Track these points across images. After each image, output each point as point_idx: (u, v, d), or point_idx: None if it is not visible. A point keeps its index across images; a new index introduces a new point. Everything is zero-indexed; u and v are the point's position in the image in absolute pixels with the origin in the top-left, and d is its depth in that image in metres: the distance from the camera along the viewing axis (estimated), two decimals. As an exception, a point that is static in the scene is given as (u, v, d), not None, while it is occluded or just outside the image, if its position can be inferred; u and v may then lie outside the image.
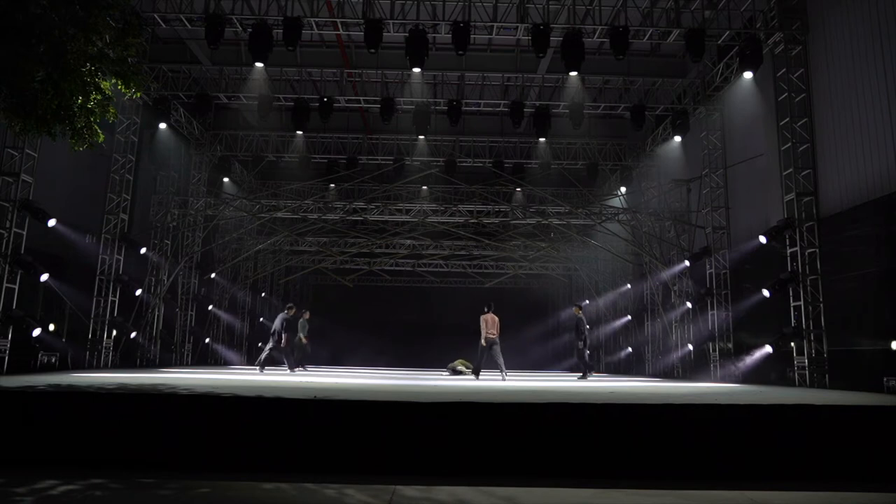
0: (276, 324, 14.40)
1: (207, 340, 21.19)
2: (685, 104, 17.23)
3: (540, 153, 19.91)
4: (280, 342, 14.30)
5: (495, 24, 13.63)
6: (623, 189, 20.86)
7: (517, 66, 17.52)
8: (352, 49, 17.28)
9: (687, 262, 17.36)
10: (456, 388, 8.77)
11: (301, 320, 16.07)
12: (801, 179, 12.91)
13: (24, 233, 12.76)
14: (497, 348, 12.58)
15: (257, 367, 14.34)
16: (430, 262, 26.30)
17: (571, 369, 26.85)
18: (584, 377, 13.52)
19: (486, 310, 12.78)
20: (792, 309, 12.84)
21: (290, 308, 14.88)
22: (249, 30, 13.28)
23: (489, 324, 12.61)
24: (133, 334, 16.55)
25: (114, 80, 7.34)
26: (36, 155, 12.90)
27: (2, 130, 12.10)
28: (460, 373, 15.57)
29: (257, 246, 22.91)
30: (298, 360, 15.93)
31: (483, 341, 12.55)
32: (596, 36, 13.85)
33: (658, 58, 17.75)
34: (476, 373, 13.16)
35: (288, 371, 14.57)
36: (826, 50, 12.62)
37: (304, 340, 16.15)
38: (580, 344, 13.64)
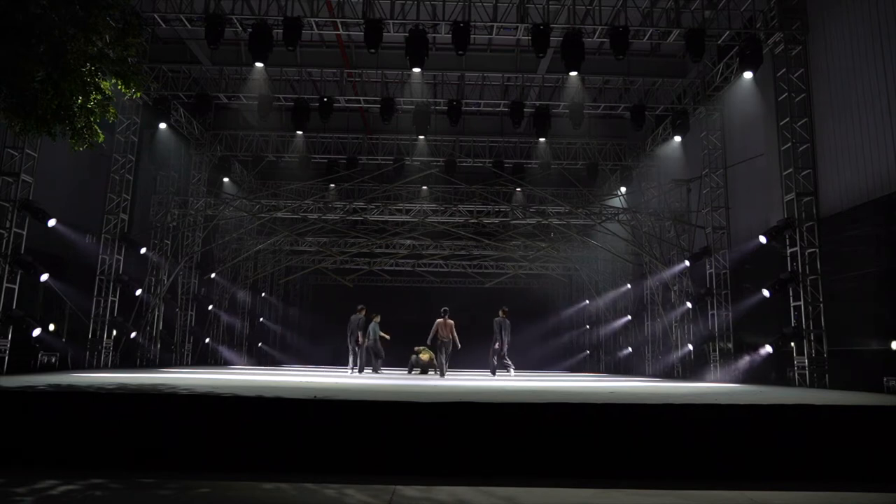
0: (352, 326, 15.06)
1: (207, 340, 21.19)
2: (685, 104, 17.22)
3: (540, 153, 19.91)
4: (357, 342, 14.97)
5: (495, 24, 13.63)
6: (623, 189, 20.86)
7: (517, 66, 17.51)
8: (352, 49, 17.28)
9: (687, 262, 17.36)
10: (456, 388, 8.77)
11: (372, 323, 16.21)
12: (801, 179, 12.91)
13: (24, 233, 12.76)
14: (445, 350, 13.88)
15: (356, 371, 14.90)
16: (430, 262, 26.29)
17: (571, 369, 26.93)
18: (494, 374, 14.42)
19: (443, 315, 13.97)
20: (792, 309, 12.84)
21: (360, 309, 15.27)
22: (249, 30, 13.28)
23: (442, 328, 13.83)
24: (133, 334, 16.55)
25: (114, 80, 7.33)
26: (36, 155, 12.89)
27: (2, 130, 12.09)
28: (426, 366, 15.73)
29: (257, 246, 22.91)
30: (369, 361, 15.93)
31: (438, 342, 13.91)
32: (596, 36, 13.84)
33: (658, 58, 17.75)
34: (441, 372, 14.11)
35: (372, 371, 15.28)
36: (826, 50, 12.62)
37: (383, 338, 16.33)
38: (496, 345, 14.57)
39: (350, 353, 15.16)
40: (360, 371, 15.09)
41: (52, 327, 14.31)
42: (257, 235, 22.96)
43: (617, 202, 20.67)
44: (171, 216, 18.83)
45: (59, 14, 6.55)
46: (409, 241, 23.72)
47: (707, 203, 16.95)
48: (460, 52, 13.33)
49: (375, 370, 15.78)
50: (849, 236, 11.84)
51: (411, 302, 31.44)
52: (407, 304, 31.27)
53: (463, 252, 24.57)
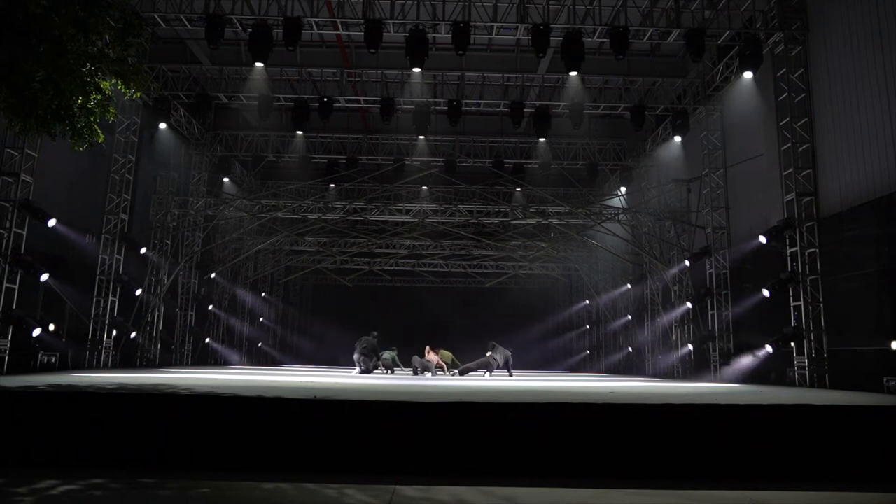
0: (362, 344, 15.45)
1: (207, 340, 21.19)
2: (685, 104, 17.21)
3: (540, 153, 19.91)
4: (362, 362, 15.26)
5: (495, 24, 13.63)
6: (623, 189, 20.85)
7: (517, 66, 17.50)
8: (352, 49, 17.27)
9: (687, 262, 17.36)
10: (456, 388, 8.77)
11: (390, 353, 16.31)
12: (801, 179, 12.91)
13: (24, 233, 12.75)
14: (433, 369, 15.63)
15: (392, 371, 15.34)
16: (430, 262, 26.30)
17: (572, 369, 26.99)
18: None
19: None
20: (792, 309, 12.84)
21: (375, 336, 15.64)
22: (249, 30, 13.29)
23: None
24: (133, 334, 16.55)
25: (114, 80, 7.33)
26: (36, 155, 12.89)
27: (2, 130, 12.09)
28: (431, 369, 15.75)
29: (257, 246, 22.91)
30: (375, 365, 15.93)
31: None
32: (596, 36, 13.85)
33: (658, 58, 17.74)
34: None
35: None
36: (826, 50, 12.61)
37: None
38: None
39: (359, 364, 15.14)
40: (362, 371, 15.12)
41: (52, 327, 14.31)
42: (257, 235, 22.96)
43: (617, 202, 20.66)
44: (171, 216, 18.83)
45: (59, 14, 6.54)
46: (408, 241, 23.71)
47: (707, 203, 16.95)
48: (460, 52, 13.34)
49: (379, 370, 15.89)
50: (849, 236, 11.84)
51: (411, 302, 31.48)
52: (407, 304, 31.33)
53: (463, 252, 24.58)
